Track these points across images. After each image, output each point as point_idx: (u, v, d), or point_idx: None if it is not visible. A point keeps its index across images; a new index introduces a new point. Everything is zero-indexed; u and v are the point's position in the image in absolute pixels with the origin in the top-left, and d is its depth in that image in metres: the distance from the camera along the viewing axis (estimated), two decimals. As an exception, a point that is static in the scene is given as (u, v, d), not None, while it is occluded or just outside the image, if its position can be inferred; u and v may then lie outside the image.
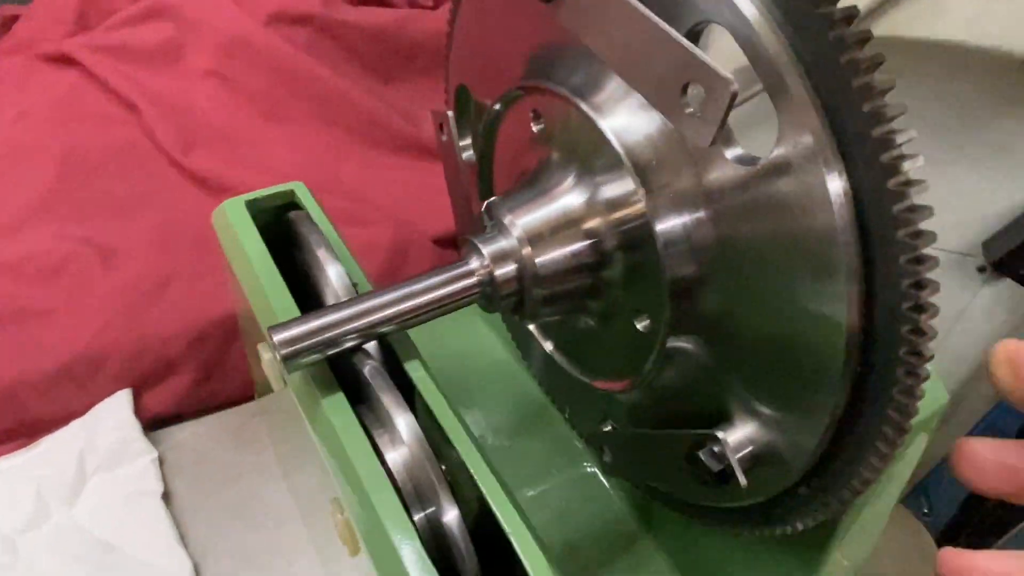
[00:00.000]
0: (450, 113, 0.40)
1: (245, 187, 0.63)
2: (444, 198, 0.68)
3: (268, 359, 0.35)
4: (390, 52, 0.73)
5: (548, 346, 0.39)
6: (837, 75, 0.21)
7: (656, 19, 0.23)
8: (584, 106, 0.29)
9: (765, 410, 0.28)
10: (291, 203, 0.40)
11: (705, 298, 0.28)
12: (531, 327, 0.40)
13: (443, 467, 0.28)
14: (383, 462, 0.28)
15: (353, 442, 0.28)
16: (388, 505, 0.26)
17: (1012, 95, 0.56)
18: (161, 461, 0.55)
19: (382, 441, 0.29)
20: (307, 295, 0.35)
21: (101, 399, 0.55)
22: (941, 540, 0.67)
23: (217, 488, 0.55)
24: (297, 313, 0.33)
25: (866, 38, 0.20)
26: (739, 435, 0.29)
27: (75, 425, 0.54)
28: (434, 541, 0.26)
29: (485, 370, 0.59)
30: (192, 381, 0.56)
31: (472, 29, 0.37)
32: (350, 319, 0.29)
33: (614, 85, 0.29)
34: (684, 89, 0.23)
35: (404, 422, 0.27)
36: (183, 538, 0.51)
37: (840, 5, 0.21)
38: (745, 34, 0.22)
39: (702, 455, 0.29)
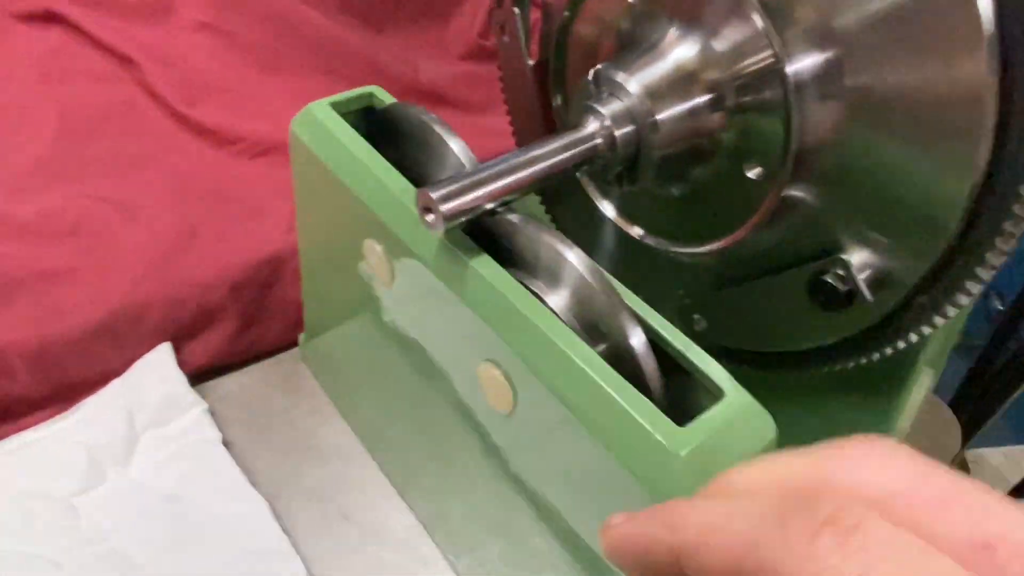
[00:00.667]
0: (516, 10, 0.40)
1: (255, 137, 0.63)
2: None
3: (380, 251, 0.35)
4: (379, 0, 0.73)
5: (637, 231, 0.40)
6: None
7: None
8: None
9: (881, 238, 0.30)
10: (369, 107, 0.40)
11: (829, 151, 0.30)
12: (613, 215, 0.41)
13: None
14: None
15: (515, 291, 0.29)
16: (569, 338, 0.27)
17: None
18: (212, 413, 0.53)
19: (538, 288, 0.30)
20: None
21: (139, 355, 0.53)
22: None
23: (274, 434, 0.54)
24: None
25: None
26: (855, 258, 0.31)
27: (117, 383, 0.52)
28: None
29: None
30: (234, 329, 0.55)
31: None
32: (494, 178, 0.30)
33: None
34: None
35: (576, 256, 0.28)
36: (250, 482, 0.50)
37: None
38: None
39: (829, 279, 0.31)
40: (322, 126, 0.36)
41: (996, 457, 1.03)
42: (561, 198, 0.46)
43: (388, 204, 0.33)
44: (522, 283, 0.30)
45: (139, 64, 0.62)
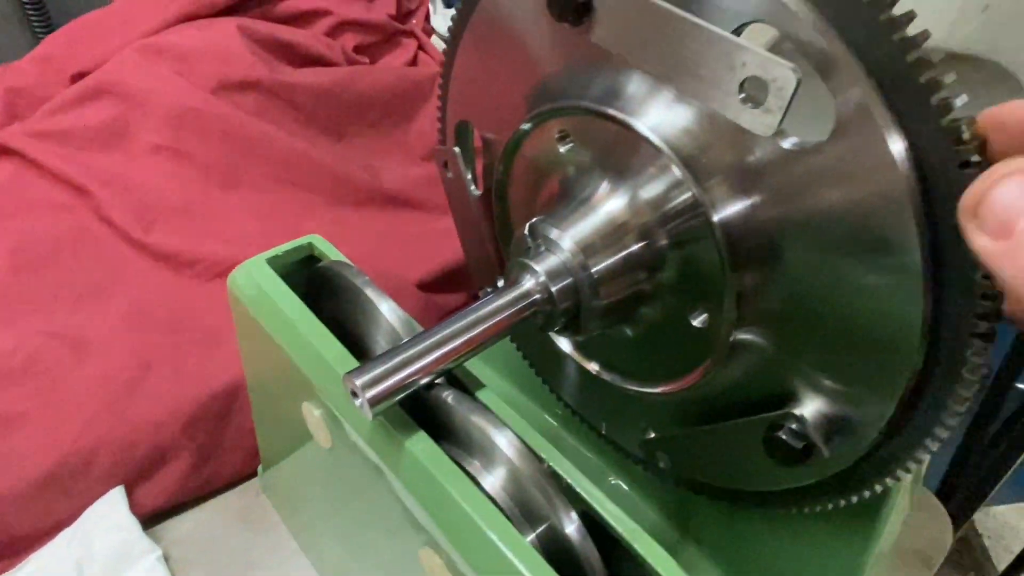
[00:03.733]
0: (456, 149, 0.40)
1: (215, 258, 0.62)
2: (418, 243, 0.69)
3: (319, 415, 0.34)
4: (340, 110, 0.73)
5: (593, 367, 0.39)
6: (888, 49, 0.23)
7: (703, 23, 0.25)
8: (614, 112, 0.30)
9: (835, 385, 0.29)
10: (310, 256, 0.39)
11: (769, 286, 0.29)
12: (570, 351, 0.40)
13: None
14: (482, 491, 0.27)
15: (450, 475, 0.27)
16: (504, 529, 0.26)
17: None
18: (166, 558, 0.51)
19: (473, 469, 0.28)
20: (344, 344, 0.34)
21: (89, 503, 0.50)
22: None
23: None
24: (353, 360, 0.32)
25: (912, 17, 0.22)
26: (811, 410, 0.30)
27: (66, 535, 0.49)
28: (552, 557, 0.26)
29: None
30: (189, 467, 0.53)
31: (473, 65, 0.38)
32: (425, 353, 0.29)
33: (635, 87, 0.30)
34: (742, 85, 0.25)
35: (505, 439, 0.27)
36: (207, 636, 0.47)
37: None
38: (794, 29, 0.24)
39: (783, 435, 0.30)
40: (258, 286, 0.35)
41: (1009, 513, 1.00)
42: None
43: (323, 372, 0.32)
44: (459, 462, 0.28)
45: (93, 192, 0.62)
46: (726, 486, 0.38)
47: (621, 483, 0.53)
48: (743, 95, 0.25)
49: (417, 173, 0.75)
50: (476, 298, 0.32)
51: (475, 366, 0.61)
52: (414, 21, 0.91)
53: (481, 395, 0.31)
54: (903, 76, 0.23)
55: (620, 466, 0.52)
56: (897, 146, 0.23)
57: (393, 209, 0.72)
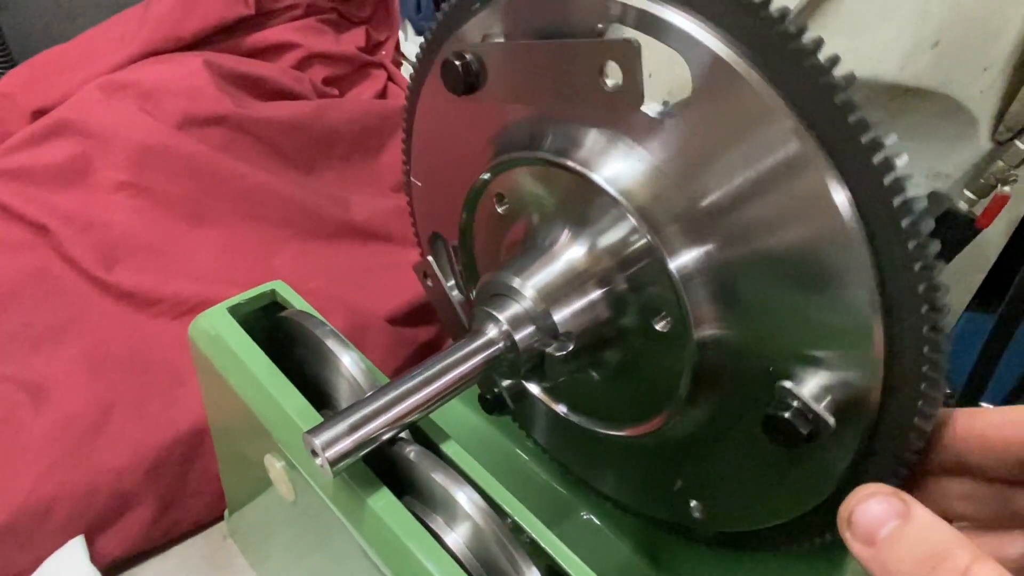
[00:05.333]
0: (430, 259, 0.41)
1: (178, 297, 0.61)
2: (389, 276, 0.68)
3: (281, 467, 0.33)
4: (309, 143, 0.73)
5: (561, 409, 0.39)
6: (816, 92, 0.23)
7: (554, 41, 0.26)
8: (572, 164, 0.31)
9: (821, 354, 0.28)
10: (272, 303, 0.38)
11: (728, 324, 0.29)
12: (538, 393, 0.40)
13: (507, 541, 0.27)
14: (445, 548, 0.27)
15: (413, 533, 0.27)
16: (468, 591, 0.25)
17: (878, 116, 0.64)
18: (129, 609, 0.49)
19: (436, 525, 0.28)
20: (307, 396, 0.34)
21: (48, 553, 0.49)
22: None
23: (198, 626, 0.50)
24: (314, 414, 0.32)
25: (836, 60, 0.23)
26: (809, 386, 0.28)
27: (22, 590, 0.48)
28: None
29: (455, 437, 0.58)
30: (152, 513, 0.51)
31: (430, 180, 0.39)
32: (386, 408, 0.28)
33: (592, 139, 0.31)
34: (601, 72, 0.26)
35: (465, 496, 0.26)
36: None
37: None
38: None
39: (788, 415, 0.27)
40: (218, 336, 0.35)
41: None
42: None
43: (284, 426, 0.32)
44: (422, 518, 0.28)
45: (54, 231, 0.60)
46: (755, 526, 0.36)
47: (593, 518, 0.53)
48: (605, 82, 0.26)
49: (387, 205, 0.74)
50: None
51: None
52: (383, 52, 0.92)
53: (445, 447, 0.31)
54: (838, 125, 0.23)
55: (592, 501, 0.52)
56: (840, 196, 0.24)
57: (363, 242, 0.71)
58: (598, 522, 0.53)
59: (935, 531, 0.23)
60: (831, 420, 0.27)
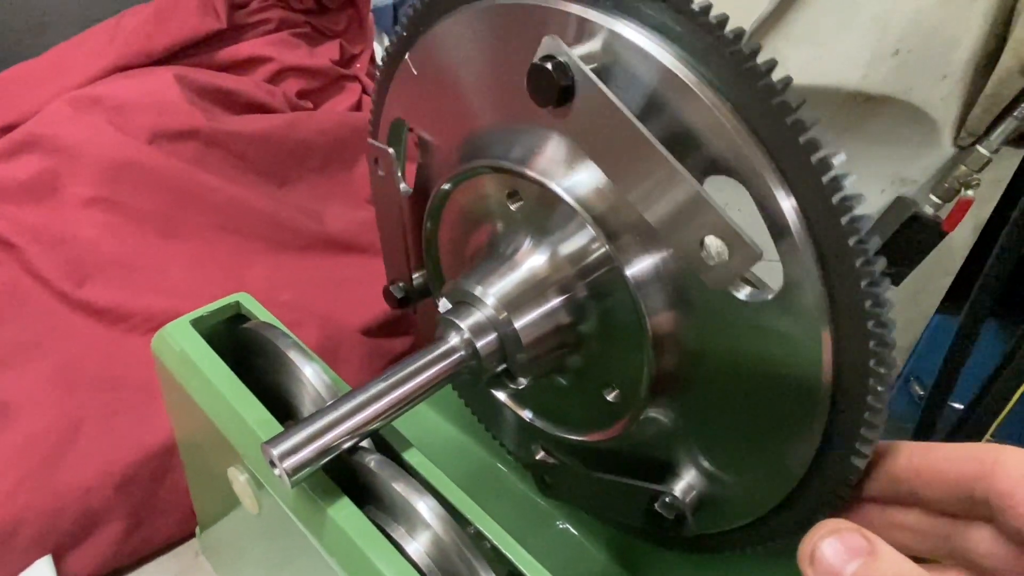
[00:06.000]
0: (391, 150, 0.39)
1: (148, 312, 0.61)
2: (363, 288, 0.68)
3: (245, 480, 0.33)
4: (281, 155, 0.73)
5: (527, 414, 0.39)
6: (770, 116, 0.24)
7: (675, 162, 0.25)
8: (533, 174, 0.31)
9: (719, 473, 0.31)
10: (237, 315, 0.38)
11: (682, 333, 0.30)
12: (504, 399, 0.40)
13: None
14: (406, 558, 0.27)
15: (373, 543, 0.27)
16: (427, 600, 0.25)
17: (846, 122, 0.65)
18: (98, 630, 0.48)
19: (398, 535, 0.28)
20: (273, 407, 0.34)
21: (16, 573, 0.48)
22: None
23: (170, 645, 0.49)
24: (276, 425, 0.32)
25: (788, 81, 0.24)
26: (685, 485, 0.33)
27: (-12, 611, 0.47)
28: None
29: (428, 446, 0.58)
30: (122, 530, 0.51)
31: (423, 71, 0.36)
32: (346, 417, 0.28)
33: (553, 150, 0.31)
34: (702, 240, 0.25)
35: (426, 505, 0.26)
36: None
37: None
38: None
39: (659, 507, 0.32)
40: (181, 350, 0.35)
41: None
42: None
43: (246, 438, 0.32)
44: (383, 527, 0.28)
45: (22, 247, 0.60)
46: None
47: (570, 527, 0.53)
48: (703, 249, 0.25)
49: (361, 216, 0.74)
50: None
51: (421, 410, 0.61)
52: (358, 65, 0.92)
53: (408, 456, 0.31)
54: (787, 143, 0.24)
55: (568, 510, 0.52)
56: (791, 212, 0.24)
57: (337, 253, 0.71)
58: (575, 531, 0.53)
59: (902, 570, 0.23)
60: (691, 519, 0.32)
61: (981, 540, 0.25)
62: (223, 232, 0.68)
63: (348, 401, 0.29)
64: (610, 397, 0.33)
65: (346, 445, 0.28)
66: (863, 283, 0.24)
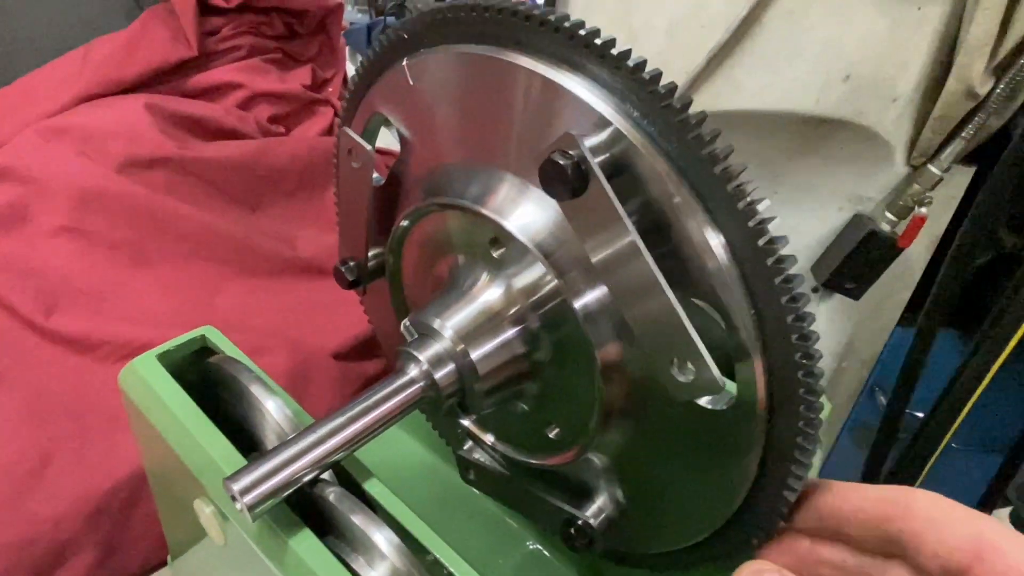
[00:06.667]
0: (369, 147, 0.38)
1: (118, 341, 0.61)
2: (335, 312, 0.69)
3: (210, 512, 0.34)
4: (254, 181, 0.74)
5: (488, 438, 0.40)
6: (688, 148, 0.25)
7: (669, 292, 0.26)
8: (488, 213, 0.32)
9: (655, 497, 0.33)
10: (204, 348, 0.39)
11: (628, 362, 0.31)
12: (467, 423, 0.41)
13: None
14: (366, 587, 0.28)
15: (333, 574, 0.28)
16: (384, 628, 0.26)
17: (803, 144, 0.68)
18: (68, 662, 0.48)
19: (357, 565, 0.29)
20: (237, 439, 0.35)
21: (-16, 608, 0.48)
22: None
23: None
24: (240, 459, 0.32)
25: (717, 133, 0.25)
26: (597, 509, 0.35)
27: (-45, 647, 0.47)
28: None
29: (398, 468, 0.59)
30: (93, 561, 0.51)
31: (419, 84, 0.35)
32: (305, 451, 0.29)
33: (506, 190, 0.33)
34: (674, 359, 0.27)
35: (383, 537, 0.27)
36: None
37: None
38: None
39: (573, 531, 0.34)
40: (147, 384, 0.35)
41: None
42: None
43: (210, 472, 0.32)
44: (344, 558, 0.29)
45: (-9, 279, 0.60)
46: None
47: (541, 548, 0.54)
48: (673, 364, 0.27)
49: (334, 240, 0.75)
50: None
51: (393, 432, 0.62)
52: (330, 89, 0.93)
53: (369, 486, 0.32)
54: (716, 188, 0.25)
55: (539, 532, 0.53)
56: (714, 238, 0.26)
57: (309, 278, 0.72)
58: (546, 553, 0.54)
59: None
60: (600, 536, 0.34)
61: None
62: (194, 259, 0.68)
63: (308, 435, 0.30)
64: (552, 435, 0.34)
65: (307, 478, 0.29)
66: (789, 318, 0.25)
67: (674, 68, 0.60)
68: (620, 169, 0.27)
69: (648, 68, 0.26)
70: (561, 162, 0.26)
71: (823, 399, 0.41)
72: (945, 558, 0.24)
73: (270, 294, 0.69)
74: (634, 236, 0.26)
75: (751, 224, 0.25)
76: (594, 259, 0.28)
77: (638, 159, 0.26)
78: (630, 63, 0.26)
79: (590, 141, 0.27)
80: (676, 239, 0.27)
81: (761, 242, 0.25)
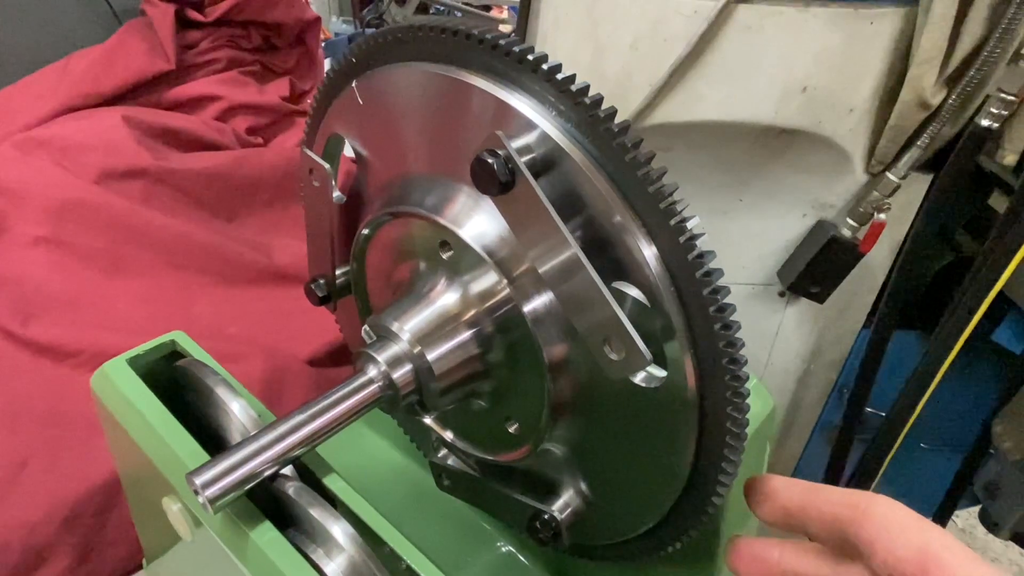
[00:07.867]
0: (327, 166, 0.39)
1: (96, 348, 0.62)
2: (310, 319, 0.70)
3: (178, 509, 0.35)
4: (230, 191, 0.75)
5: (448, 435, 0.42)
6: (624, 169, 0.27)
7: (593, 273, 0.28)
8: (444, 222, 0.34)
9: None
10: (173, 352, 0.40)
11: (575, 360, 0.33)
12: (429, 421, 0.43)
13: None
14: (324, 577, 0.29)
15: (293, 565, 0.29)
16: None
17: (766, 153, 0.70)
18: (43, 665, 0.49)
19: (317, 556, 0.30)
20: (206, 439, 0.36)
21: (-42, 613, 0.49)
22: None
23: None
24: (205, 456, 0.34)
25: (652, 155, 0.27)
26: (563, 503, 0.37)
27: (-70, 651, 0.48)
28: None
29: (373, 471, 0.60)
30: (68, 565, 0.52)
31: (367, 103, 0.37)
32: (265, 448, 0.31)
33: (462, 200, 0.34)
34: (606, 339, 0.28)
35: (340, 529, 0.29)
36: None
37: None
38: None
39: (539, 524, 0.36)
40: (117, 387, 0.37)
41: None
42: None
43: (176, 469, 0.34)
44: (304, 550, 0.30)
45: (-32, 289, 0.61)
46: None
47: (512, 549, 0.55)
48: (606, 344, 0.29)
49: (310, 249, 0.77)
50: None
51: (365, 434, 0.63)
52: (309, 101, 0.95)
53: (329, 481, 0.33)
54: (651, 206, 0.27)
55: (510, 533, 0.55)
56: (648, 250, 0.28)
57: (284, 286, 0.73)
58: (518, 554, 0.55)
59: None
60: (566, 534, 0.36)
61: None
62: (170, 268, 0.69)
63: (269, 432, 0.31)
64: (512, 430, 0.36)
65: (267, 473, 0.31)
66: (716, 326, 0.27)
67: (639, 81, 0.63)
68: (547, 166, 0.29)
69: (577, 82, 0.28)
70: (489, 160, 0.28)
71: (769, 396, 0.43)
72: (893, 567, 0.25)
73: (245, 302, 0.70)
74: (558, 223, 0.28)
75: (682, 241, 0.27)
76: (527, 251, 0.30)
77: (579, 177, 0.28)
78: (559, 76, 0.28)
79: (517, 142, 0.28)
80: (597, 227, 0.29)
81: (691, 256, 0.27)
